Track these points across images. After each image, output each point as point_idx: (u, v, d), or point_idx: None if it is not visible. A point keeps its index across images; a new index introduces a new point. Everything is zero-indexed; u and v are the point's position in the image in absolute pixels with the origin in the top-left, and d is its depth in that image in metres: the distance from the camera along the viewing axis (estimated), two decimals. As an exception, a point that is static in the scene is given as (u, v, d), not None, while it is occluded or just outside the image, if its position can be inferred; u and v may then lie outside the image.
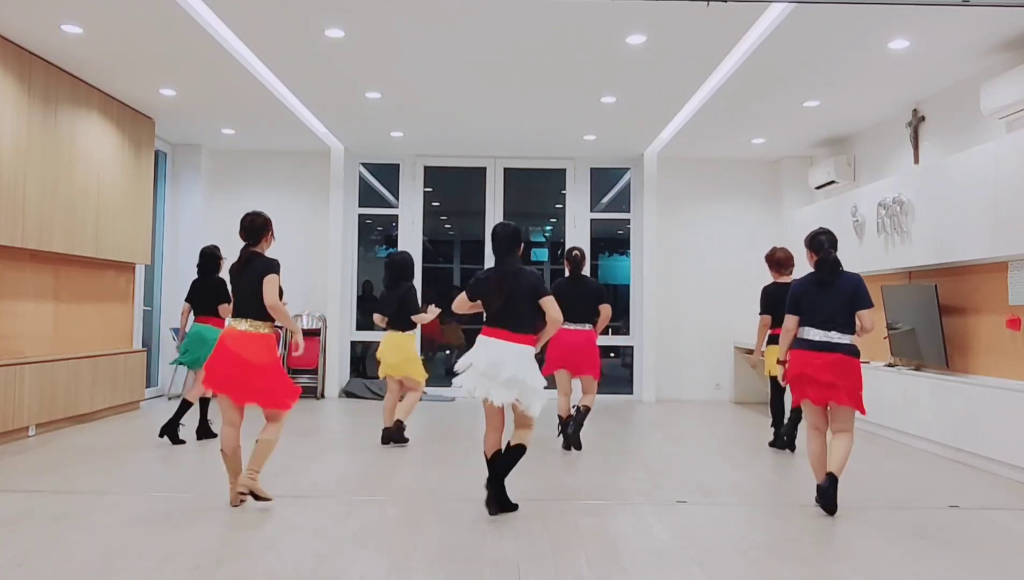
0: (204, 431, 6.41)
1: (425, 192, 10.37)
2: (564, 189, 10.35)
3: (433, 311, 6.35)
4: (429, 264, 10.62)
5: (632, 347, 10.18)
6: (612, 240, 10.99)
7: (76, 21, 5.77)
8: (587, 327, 6.22)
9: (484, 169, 10.28)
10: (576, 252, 6.39)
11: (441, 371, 10.10)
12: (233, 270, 4.39)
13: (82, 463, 5.42)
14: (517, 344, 4.12)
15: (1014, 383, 5.56)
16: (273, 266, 4.28)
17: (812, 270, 4.66)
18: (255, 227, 4.39)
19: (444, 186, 10.71)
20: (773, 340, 6.36)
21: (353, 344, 10.29)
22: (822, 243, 4.63)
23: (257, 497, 4.25)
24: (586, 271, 6.47)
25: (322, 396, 9.66)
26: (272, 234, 4.49)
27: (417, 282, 6.64)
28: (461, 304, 4.37)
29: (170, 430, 6.21)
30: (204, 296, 6.37)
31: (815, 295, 4.54)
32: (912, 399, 6.57)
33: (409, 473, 5.35)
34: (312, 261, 9.94)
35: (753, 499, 4.73)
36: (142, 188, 8.29)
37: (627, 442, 6.80)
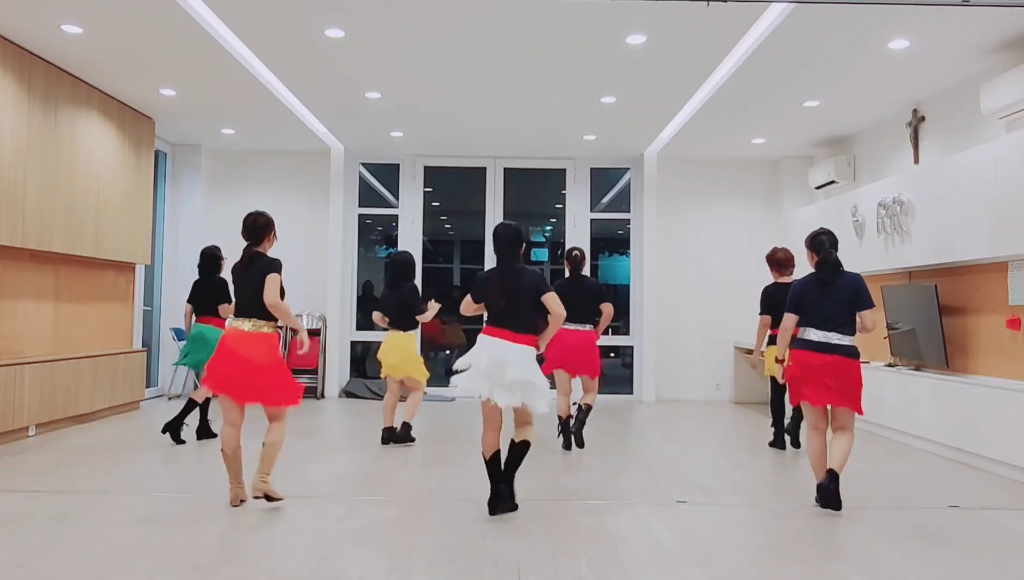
0: (204, 431, 6.41)
1: (425, 192, 10.37)
2: (564, 189, 10.35)
3: (434, 307, 6.36)
4: (429, 264, 10.61)
5: (632, 347, 10.18)
6: (612, 240, 10.99)
7: (76, 21, 5.77)
8: (587, 327, 6.22)
9: (484, 169, 10.28)
10: (576, 252, 6.38)
11: (441, 371, 10.10)
12: (235, 270, 4.39)
13: (82, 463, 5.42)
14: (520, 345, 4.12)
15: (1014, 383, 5.56)
16: (275, 265, 4.28)
17: (813, 270, 4.66)
18: (257, 227, 4.39)
19: (444, 186, 10.71)
20: (773, 340, 6.37)
21: (353, 344, 10.29)
22: (823, 243, 4.63)
23: (270, 498, 4.25)
24: (586, 271, 6.46)
25: (322, 396, 9.66)
26: (275, 234, 4.49)
27: (417, 282, 6.63)
28: (468, 306, 4.37)
29: (173, 428, 6.22)
30: (205, 296, 6.37)
31: (815, 295, 4.54)
32: (912, 399, 6.57)
33: (409, 473, 5.35)
34: (312, 261, 9.94)
35: (753, 499, 4.73)
36: (142, 188, 8.29)
37: (627, 442, 6.80)
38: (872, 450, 6.39)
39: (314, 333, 9.67)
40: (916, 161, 7.35)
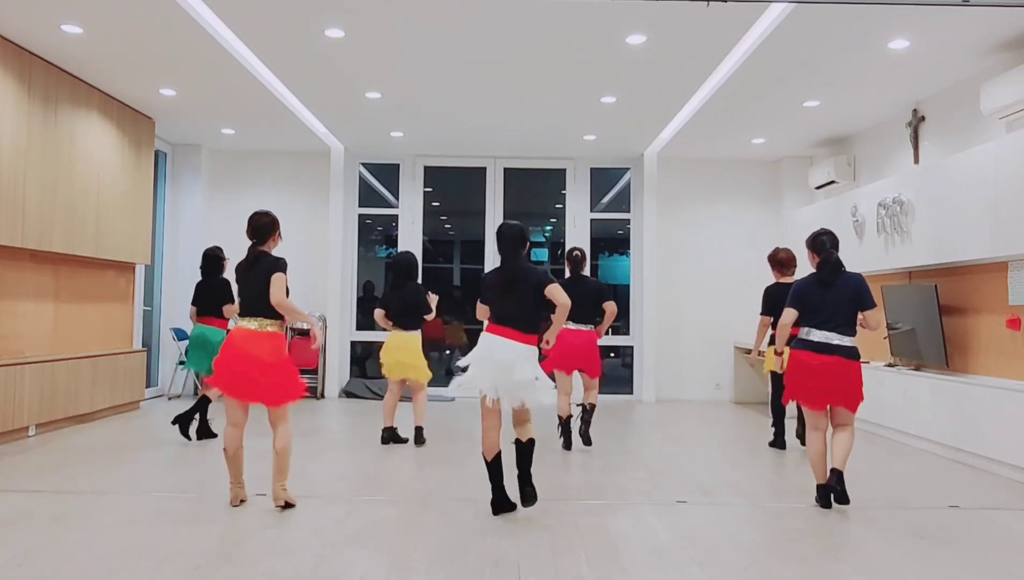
0: (204, 431, 6.41)
1: (425, 192, 10.37)
2: (564, 189, 10.35)
3: (432, 298, 6.42)
4: (429, 264, 10.61)
5: (632, 347, 10.18)
6: (612, 240, 10.99)
7: (76, 21, 5.77)
8: (588, 328, 6.23)
9: (484, 169, 10.28)
10: (577, 252, 6.39)
11: (441, 371, 10.10)
12: (239, 269, 4.39)
13: (82, 463, 5.42)
14: (526, 345, 4.13)
15: (1014, 383, 5.56)
16: (280, 265, 4.28)
17: (814, 271, 4.66)
18: (262, 226, 4.39)
19: (444, 186, 10.71)
20: (774, 340, 6.37)
21: (353, 344, 10.29)
22: (824, 244, 4.63)
23: (288, 504, 4.25)
24: (586, 271, 6.47)
25: (322, 396, 9.66)
26: (279, 234, 4.49)
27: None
28: (481, 312, 4.37)
29: (183, 422, 6.27)
30: (208, 297, 6.39)
31: (816, 295, 4.54)
32: (912, 399, 6.57)
33: (409, 473, 5.35)
34: (312, 261, 9.93)
35: (753, 499, 4.73)
36: (142, 188, 8.29)
37: (627, 442, 6.80)
38: (872, 450, 6.39)
39: (314, 333, 9.65)
40: (916, 161, 7.35)
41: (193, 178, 9.84)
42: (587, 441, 6.26)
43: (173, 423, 6.28)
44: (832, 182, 8.72)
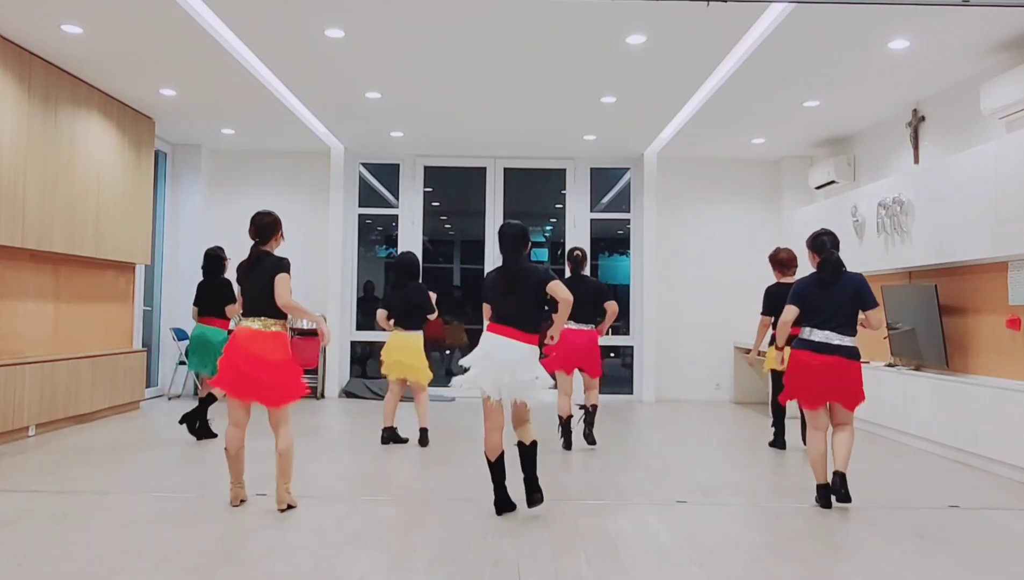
0: (204, 431, 6.41)
1: (425, 192, 10.37)
2: (564, 189, 10.34)
3: (431, 297, 6.45)
4: (429, 264, 10.61)
5: (632, 347, 10.18)
6: (612, 240, 10.99)
7: (76, 21, 5.77)
8: (589, 327, 6.23)
9: (484, 169, 10.28)
10: (577, 252, 6.40)
11: (441, 371, 10.09)
12: (242, 269, 4.38)
13: (82, 463, 5.42)
14: (528, 345, 4.13)
15: (1014, 383, 5.56)
16: (283, 265, 4.27)
17: (814, 270, 4.66)
18: (264, 226, 4.39)
19: (444, 186, 10.71)
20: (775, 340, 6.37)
21: (353, 344, 10.30)
22: (824, 244, 4.63)
23: (289, 506, 4.25)
24: (586, 271, 6.47)
25: (322, 396, 9.66)
26: (281, 234, 4.49)
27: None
28: (488, 312, 4.37)
29: (190, 421, 6.31)
30: (209, 297, 6.40)
31: (817, 295, 4.54)
32: (912, 399, 6.57)
33: (409, 473, 5.35)
34: (312, 261, 9.93)
35: (753, 499, 4.73)
36: (142, 188, 8.29)
37: (627, 442, 6.80)
38: (872, 450, 6.39)
39: (314, 333, 9.65)
40: (916, 161, 7.35)
41: (193, 178, 9.84)
42: (591, 441, 6.27)
43: (180, 422, 6.34)
44: (832, 182, 8.72)
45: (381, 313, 6.39)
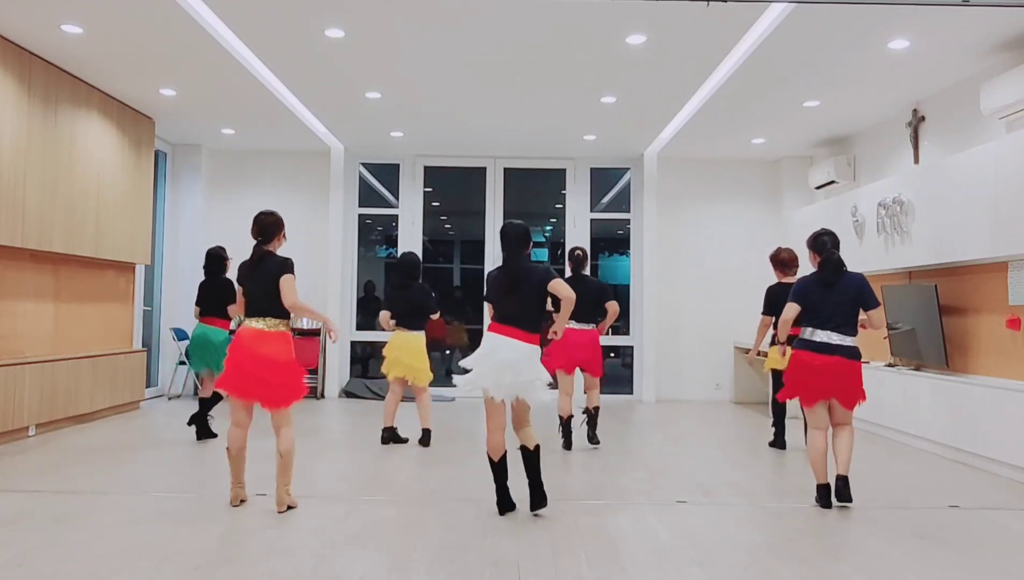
0: (204, 431, 6.41)
1: (425, 192, 10.37)
2: (564, 189, 10.35)
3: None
4: (429, 264, 10.61)
5: (632, 347, 10.19)
6: (612, 240, 10.99)
7: (76, 21, 5.77)
8: (591, 327, 6.24)
9: (484, 169, 10.28)
10: (578, 252, 6.41)
11: (441, 371, 10.09)
12: (244, 268, 4.37)
13: (82, 463, 5.42)
14: (530, 344, 4.13)
15: (1014, 383, 5.56)
16: (288, 266, 4.28)
17: (815, 270, 4.66)
18: (267, 225, 4.39)
19: (444, 186, 10.71)
20: (776, 340, 6.37)
21: (353, 344, 10.30)
22: (825, 244, 4.63)
23: (289, 506, 4.25)
24: (587, 271, 6.47)
25: (322, 396, 9.66)
26: (284, 234, 4.49)
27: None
28: (490, 311, 4.37)
29: (199, 421, 6.36)
30: (211, 297, 6.41)
31: (818, 295, 4.54)
32: (912, 399, 6.57)
33: (409, 473, 5.35)
34: (312, 261, 9.92)
35: (753, 499, 4.73)
36: (142, 188, 8.29)
37: (627, 442, 6.80)
38: (872, 450, 6.39)
39: (314, 333, 9.68)
40: (916, 161, 7.35)
41: (193, 178, 9.84)
42: (595, 442, 6.30)
43: (189, 424, 6.39)
44: (832, 182, 8.72)
45: (384, 315, 6.39)
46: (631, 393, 10.16)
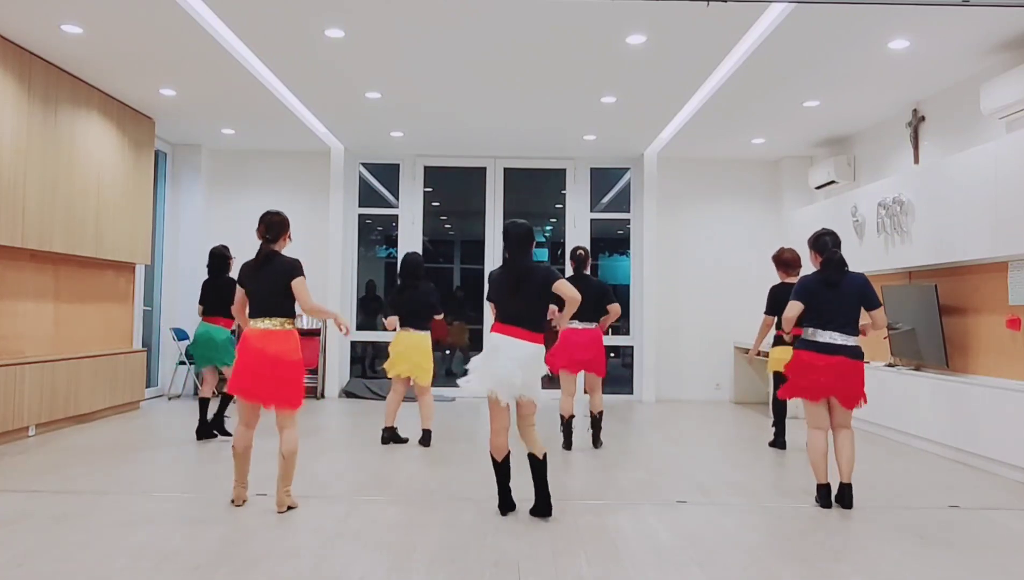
0: (204, 431, 6.41)
1: (425, 192, 10.37)
2: (564, 189, 10.34)
3: None
4: (429, 264, 10.59)
5: (632, 347, 10.19)
6: (612, 240, 10.99)
7: (76, 21, 5.77)
8: (592, 326, 6.25)
9: (484, 169, 10.28)
10: (580, 251, 6.42)
11: (442, 371, 10.09)
12: (248, 268, 4.35)
13: (82, 463, 5.42)
14: (534, 344, 4.12)
15: (1014, 383, 5.56)
16: (298, 268, 4.27)
17: (817, 270, 4.66)
18: (274, 224, 4.38)
19: (444, 186, 10.71)
20: (778, 341, 6.36)
21: (353, 344, 10.30)
22: (826, 244, 4.63)
23: (289, 507, 4.25)
24: (588, 270, 6.47)
25: (322, 396, 9.66)
26: (289, 234, 4.48)
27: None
28: (494, 311, 4.36)
29: (216, 424, 6.40)
30: (214, 296, 6.41)
31: (821, 295, 4.53)
32: (912, 399, 6.57)
33: (409, 473, 5.35)
34: (312, 261, 9.84)
35: (753, 499, 4.73)
36: (142, 188, 8.29)
37: (627, 442, 6.80)
38: (872, 450, 6.39)
39: (314, 333, 9.67)
40: (916, 161, 7.35)
41: (193, 178, 9.84)
42: (599, 445, 6.35)
43: (202, 434, 6.41)
44: (832, 182, 8.72)
45: (391, 319, 6.39)
46: (631, 393, 10.16)
